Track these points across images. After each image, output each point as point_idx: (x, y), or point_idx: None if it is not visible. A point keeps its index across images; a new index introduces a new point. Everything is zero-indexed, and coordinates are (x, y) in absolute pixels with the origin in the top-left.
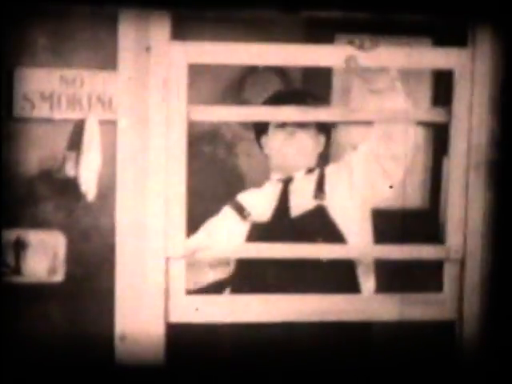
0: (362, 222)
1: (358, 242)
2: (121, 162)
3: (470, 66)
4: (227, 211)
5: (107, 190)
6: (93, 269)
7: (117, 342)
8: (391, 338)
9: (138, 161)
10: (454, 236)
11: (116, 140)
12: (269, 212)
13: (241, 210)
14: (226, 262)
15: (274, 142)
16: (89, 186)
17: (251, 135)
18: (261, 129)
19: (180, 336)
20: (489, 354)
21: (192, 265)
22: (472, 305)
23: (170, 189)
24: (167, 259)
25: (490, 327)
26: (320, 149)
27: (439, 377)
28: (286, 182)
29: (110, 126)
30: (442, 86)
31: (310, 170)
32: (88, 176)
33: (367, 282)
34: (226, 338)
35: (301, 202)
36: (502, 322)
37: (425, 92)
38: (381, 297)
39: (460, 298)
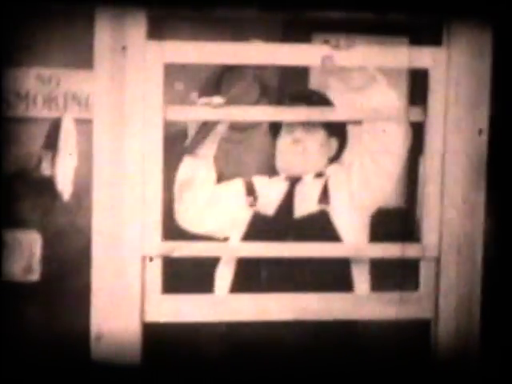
0: (362, 224)
1: (353, 241)
2: (97, 161)
3: (444, 65)
4: (238, 187)
5: (83, 189)
6: (69, 268)
7: (93, 341)
8: (366, 337)
9: (115, 160)
10: (429, 234)
11: (92, 139)
12: (273, 207)
13: (251, 192)
14: None
15: (281, 145)
16: (65, 185)
17: (229, 135)
18: (275, 129)
19: (156, 335)
20: (464, 352)
21: None
22: (448, 303)
23: (147, 188)
24: (143, 258)
25: (466, 325)
26: (331, 153)
27: (414, 375)
28: (294, 182)
29: (86, 124)
30: (419, 85)
31: (320, 175)
32: (64, 175)
33: (362, 281)
34: (203, 337)
35: (305, 204)
36: (478, 320)
37: (401, 91)
38: (355, 296)
39: (436, 297)
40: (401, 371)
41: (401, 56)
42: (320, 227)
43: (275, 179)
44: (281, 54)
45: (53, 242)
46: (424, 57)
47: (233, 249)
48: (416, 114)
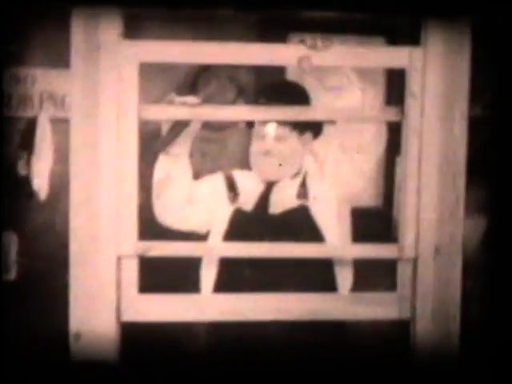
0: (341, 220)
1: (336, 240)
2: (73, 160)
3: (421, 65)
4: (219, 182)
5: (60, 189)
6: (46, 267)
7: (71, 340)
8: (345, 338)
9: (91, 159)
10: (406, 235)
11: (68, 138)
12: (252, 203)
13: (232, 188)
14: None
15: (253, 155)
16: (41, 185)
17: (205, 134)
18: (249, 135)
19: (133, 334)
20: (443, 352)
21: None
22: (426, 303)
23: (122, 187)
24: (119, 258)
25: (445, 326)
26: (307, 148)
27: (394, 376)
28: (270, 183)
29: (62, 124)
30: (396, 85)
31: (296, 174)
32: (40, 175)
33: (344, 281)
34: (180, 336)
35: (283, 200)
36: (457, 320)
37: (378, 91)
38: (331, 296)
39: (413, 297)
40: (380, 371)
41: (378, 56)
42: (300, 222)
43: (253, 174)
44: (257, 54)
45: (29, 242)
46: (401, 56)
47: (211, 248)
48: (393, 114)
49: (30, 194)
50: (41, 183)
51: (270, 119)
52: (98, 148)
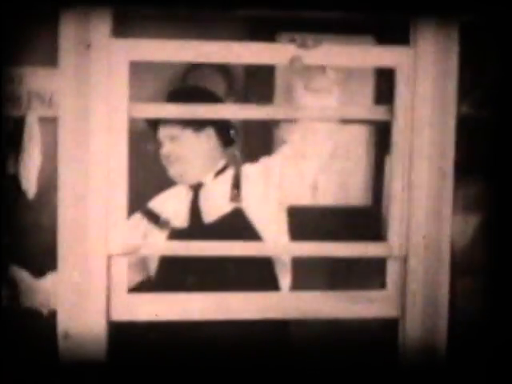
0: (279, 221)
1: (275, 239)
2: (62, 159)
3: (411, 65)
4: (138, 221)
5: (48, 188)
6: (34, 267)
7: (60, 340)
8: (333, 336)
9: (79, 158)
10: (396, 233)
11: (56, 137)
12: (185, 218)
13: (155, 219)
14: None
15: (164, 151)
16: (29, 184)
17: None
18: (155, 127)
19: (123, 334)
20: (431, 351)
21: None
22: (415, 302)
23: (112, 186)
24: (109, 257)
25: (433, 324)
26: (227, 145)
27: (382, 375)
28: (196, 188)
29: (50, 123)
30: (385, 84)
31: (220, 171)
32: (28, 173)
33: (285, 279)
34: (165, 336)
35: (216, 206)
36: (445, 318)
37: (367, 90)
38: (312, 294)
39: (403, 296)
40: (368, 370)
41: (368, 55)
42: (237, 226)
43: (178, 189)
44: (247, 53)
45: (18, 241)
46: (391, 56)
47: (194, 248)
48: (382, 114)
49: (19, 192)
50: (29, 182)
51: (257, 118)
52: (88, 147)
